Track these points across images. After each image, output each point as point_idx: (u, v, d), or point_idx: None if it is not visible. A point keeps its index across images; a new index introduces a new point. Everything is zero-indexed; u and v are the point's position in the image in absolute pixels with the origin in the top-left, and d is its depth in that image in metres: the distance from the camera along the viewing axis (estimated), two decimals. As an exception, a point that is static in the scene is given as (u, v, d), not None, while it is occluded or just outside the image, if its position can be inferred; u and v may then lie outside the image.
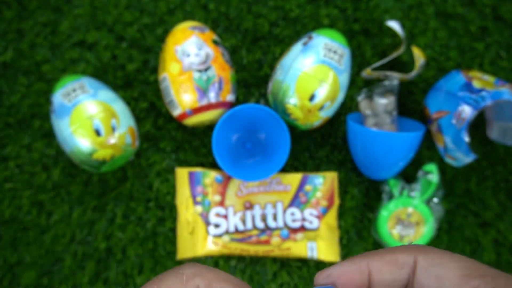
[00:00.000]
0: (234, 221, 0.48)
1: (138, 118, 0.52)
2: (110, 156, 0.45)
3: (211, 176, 0.48)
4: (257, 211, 0.48)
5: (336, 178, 0.50)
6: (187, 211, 0.48)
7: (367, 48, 0.53)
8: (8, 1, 0.53)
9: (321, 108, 0.45)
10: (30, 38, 0.53)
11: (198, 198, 0.48)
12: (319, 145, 0.52)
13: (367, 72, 0.50)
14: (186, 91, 0.44)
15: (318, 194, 0.50)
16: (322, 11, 0.53)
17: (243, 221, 0.48)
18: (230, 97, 0.47)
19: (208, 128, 0.52)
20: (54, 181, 0.51)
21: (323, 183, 0.50)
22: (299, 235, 0.48)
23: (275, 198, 0.49)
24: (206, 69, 0.45)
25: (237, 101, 0.52)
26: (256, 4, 0.53)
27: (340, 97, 0.46)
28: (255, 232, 0.48)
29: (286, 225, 0.48)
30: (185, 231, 0.48)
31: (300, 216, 0.49)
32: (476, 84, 0.44)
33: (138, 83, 0.52)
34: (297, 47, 0.46)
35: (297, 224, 0.48)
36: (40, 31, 0.53)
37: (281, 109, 0.46)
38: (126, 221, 0.51)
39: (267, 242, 0.48)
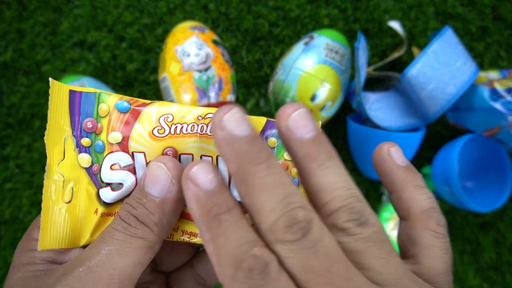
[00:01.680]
0: None
1: (138, 118, 0.52)
2: (111, 156, 0.44)
3: (110, 101, 0.23)
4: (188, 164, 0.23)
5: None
6: (62, 162, 0.23)
7: (367, 48, 0.53)
8: (8, 1, 0.53)
9: (322, 108, 0.45)
10: (30, 38, 0.53)
11: (85, 140, 0.22)
12: (319, 145, 0.52)
13: (367, 72, 0.50)
14: (186, 91, 0.44)
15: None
16: (322, 11, 0.53)
17: None
18: (230, 97, 0.47)
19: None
20: (54, 181, 0.51)
21: None
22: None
23: (215, 149, 0.23)
24: (206, 69, 0.45)
25: (237, 101, 0.52)
26: (256, 4, 0.53)
27: (341, 97, 0.46)
28: None
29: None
30: (56, 200, 0.22)
31: None
32: (499, 86, 0.44)
33: (138, 83, 0.52)
34: (298, 47, 0.46)
35: None
36: (40, 31, 0.53)
37: (281, 109, 0.46)
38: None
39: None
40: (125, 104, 0.23)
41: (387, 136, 0.44)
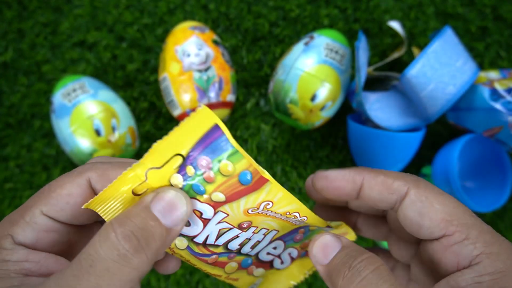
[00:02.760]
0: (212, 230, 0.26)
1: (138, 118, 0.52)
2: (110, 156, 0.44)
3: (237, 167, 0.22)
4: (247, 234, 0.27)
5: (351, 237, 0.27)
6: (156, 170, 0.22)
7: (368, 48, 0.53)
8: (8, 1, 0.53)
9: (322, 108, 0.45)
10: (30, 38, 0.53)
11: (190, 169, 0.22)
12: (319, 145, 0.52)
13: (368, 72, 0.50)
14: (186, 91, 0.44)
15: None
16: (322, 11, 0.53)
17: (219, 236, 0.27)
18: (230, 97, 0.47)
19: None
20: (54, 181, 0.51)
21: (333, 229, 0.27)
22: (259, 271, 0.31)
23: (274, 225, 0.28)
24: (206, 69, 0.45)
25: (237, 101, 0.52)
26: (256, 4, 0.53)
27: (341, 97, 0.46)
28: (220, 250, 0.27)
29: (257, 255, 0.30)
30: (128, 185, 0.22)
31: (280, 252, 0.31)
32: (499, 86, 0.44)
33: (138, 83, 0.52)
34: (298, 47, 0.46)
35: (267, 258, 0.31)
36: (41, 31, 0.53)
37: (282, 109, 0.46)
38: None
39: (221, 265, 0.29)
40: (248, 177, 0.22)
41: (387, 136, 0.44)
